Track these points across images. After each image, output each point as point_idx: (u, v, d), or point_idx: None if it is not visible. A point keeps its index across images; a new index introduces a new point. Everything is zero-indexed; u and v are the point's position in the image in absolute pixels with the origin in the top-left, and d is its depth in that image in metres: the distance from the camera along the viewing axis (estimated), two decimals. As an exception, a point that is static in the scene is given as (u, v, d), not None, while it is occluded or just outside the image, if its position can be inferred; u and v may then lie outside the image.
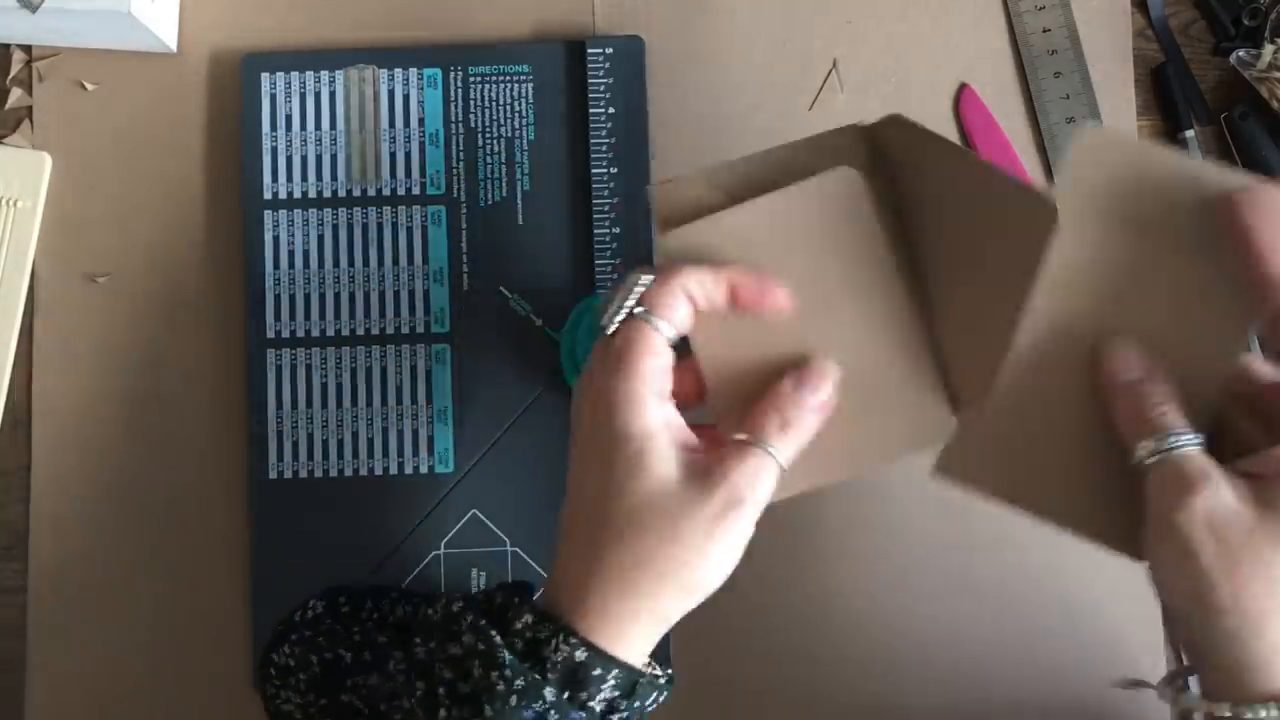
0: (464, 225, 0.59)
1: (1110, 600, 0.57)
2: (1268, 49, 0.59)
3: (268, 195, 0.59)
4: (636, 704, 0.41)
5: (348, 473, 0.58)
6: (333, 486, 0.58)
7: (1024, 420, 0.43)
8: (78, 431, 0.59)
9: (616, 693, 0.40)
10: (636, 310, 0.42)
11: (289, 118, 0.59)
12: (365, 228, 0.59)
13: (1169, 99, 0.60)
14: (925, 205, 0.44)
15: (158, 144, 0.60)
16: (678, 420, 0.42)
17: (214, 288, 0.60)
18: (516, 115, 0.60)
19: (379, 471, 0.58)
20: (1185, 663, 0.45)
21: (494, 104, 0.60)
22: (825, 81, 0.61)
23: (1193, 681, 0.42)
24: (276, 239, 0.59)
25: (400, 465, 0.58)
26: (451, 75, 0.60)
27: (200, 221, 0.60)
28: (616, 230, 0.58)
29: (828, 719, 0.57)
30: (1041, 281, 0.41)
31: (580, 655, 0.39)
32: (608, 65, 0.59)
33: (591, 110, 0.59)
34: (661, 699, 0.42)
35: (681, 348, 0.43)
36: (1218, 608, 0.38)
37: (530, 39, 0.61)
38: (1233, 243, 0.39)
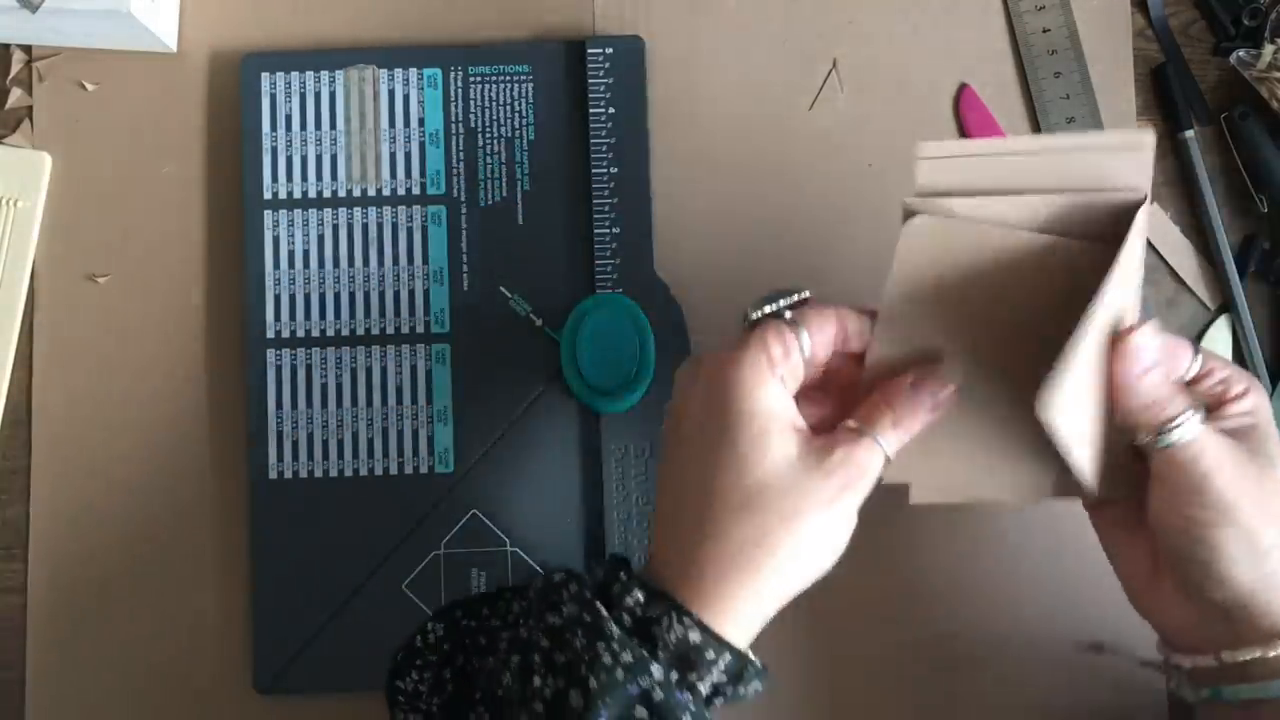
0: (464, 225, 0.59)
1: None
2: (1268, 49, 0.59)
3: (268, 195, 0.59)
4: (741, 690, 0.40)
5: (348, 473, 0.58)
6: (333, 486, 0.58)
7: (955, 426, 0.44)
8: (78, 431, 0.59)
9: (724, 677, 0.40)
10: (786, 314, 0.43)
11: (289, 118, 0.59)
12: (365, 228, 0.59)
13: (1169, 99, 0.60)
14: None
15: (158, 144, 0.60)
16: (795, 408, 0.43)
17: (214, 288, 0.60)
18: (516, 115, 0.60)
19: (379, 471, 0.58)
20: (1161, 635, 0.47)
21: (494, 104, 0.60)
22: (825, 81, 0.61)
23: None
24: (276, 239, 0.59)
25: (400, 465, 0.58)
26: (451, 75, 0.60)
27: (200, 221, 0.60)
28: (616, 230, 0.58)
29: None
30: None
31: (695, 637, 0.39)
32: (608, 65, 0.59)
33: (591, 110, 0.59)
34: (759, 689, 0.41)
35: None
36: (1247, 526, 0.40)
37: (530, 39, 0.61)
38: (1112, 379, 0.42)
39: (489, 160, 0.59)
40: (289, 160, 0.59)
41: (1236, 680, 0.43)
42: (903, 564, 0.58)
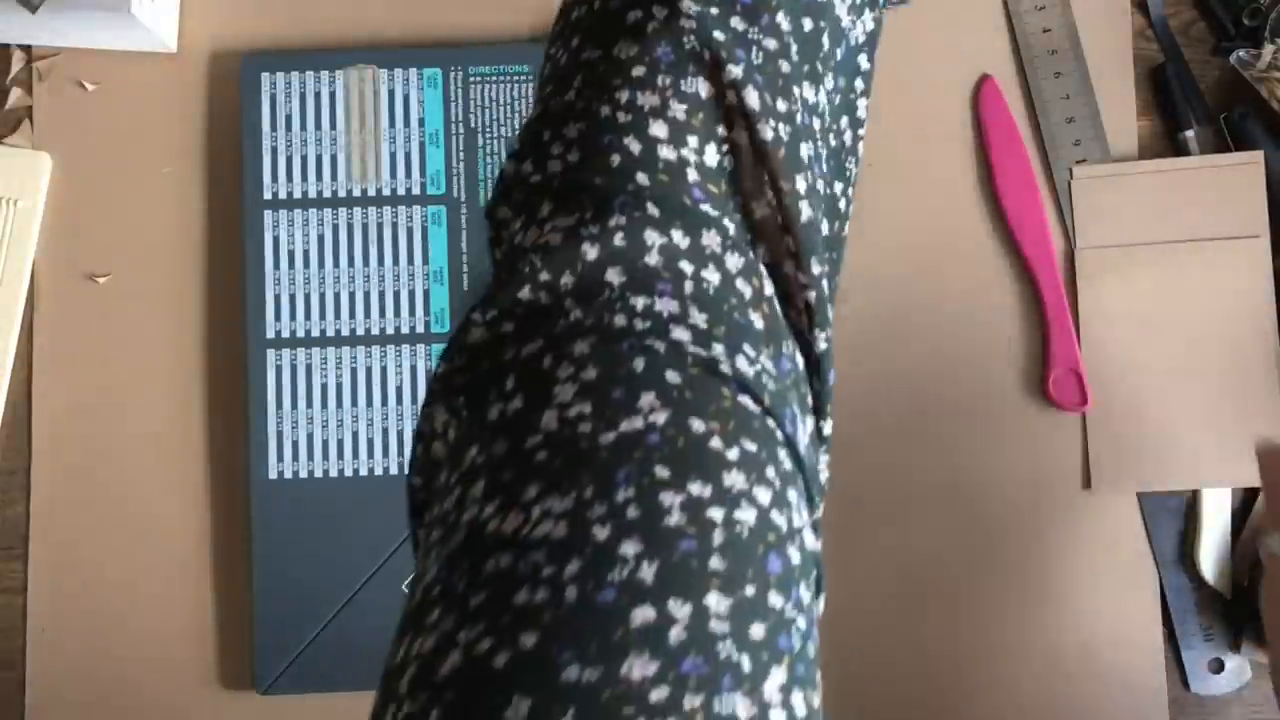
0: (464, 225, 0.59)
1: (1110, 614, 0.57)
2: (1268, 49, 0.59)
3: (268, 195, 0.59)
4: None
5: (348, 473, 0.58)
6: (333, 486, 0.58)
7: None
8: (78, 431, 0.59)
9: None
10: None
11: (289, 118, 0.59)
12: (365, 228, 0.59)
13: (1169, 99, 0.60)
14: None
15: (158, 144, 0.60)
16: None
17: (214, 288, 0.60)
18: (516, 115, 0.60)
19: (379, 471, 0.58)
20: None
21: (494, 104, 0.60)
22: (825, 81, 0.60)
23: None
24: (276, 239, 0.59)
25: (400, 465, 0.58)
26: (451, 75, 0.60)
27: (200, 221, 0.60)
28: (616, 230, 0.58)
29: None
30: None
31: None
32: (608, 65, 0.59)
33: (591, 110, 0.59)
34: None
35: None
36: None
37: (530, 39, 0.61)
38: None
39: (489, 160, 0.59)
40: (289, 160, 0.59)
41: None
42: (905, 566, 0.58)
